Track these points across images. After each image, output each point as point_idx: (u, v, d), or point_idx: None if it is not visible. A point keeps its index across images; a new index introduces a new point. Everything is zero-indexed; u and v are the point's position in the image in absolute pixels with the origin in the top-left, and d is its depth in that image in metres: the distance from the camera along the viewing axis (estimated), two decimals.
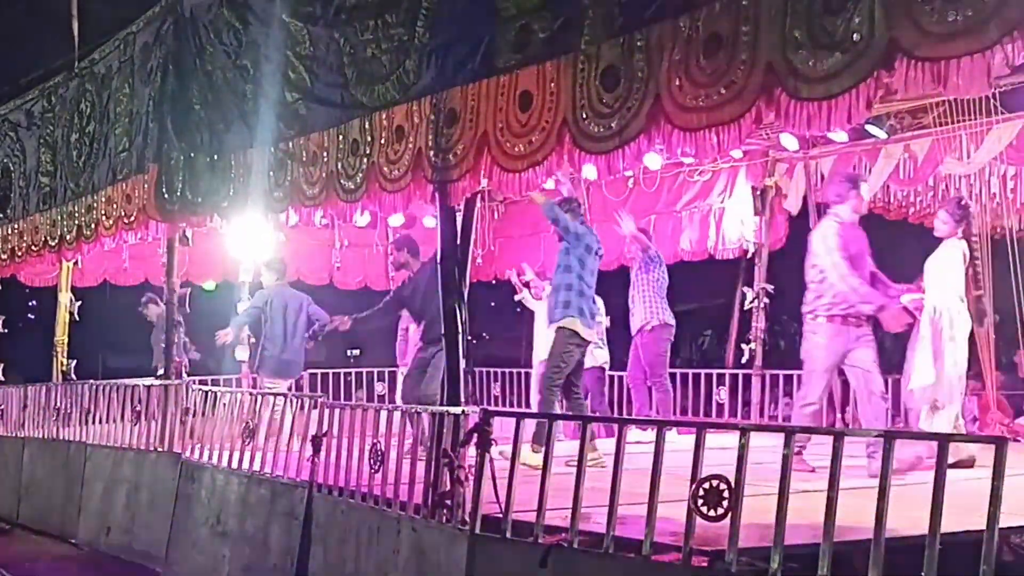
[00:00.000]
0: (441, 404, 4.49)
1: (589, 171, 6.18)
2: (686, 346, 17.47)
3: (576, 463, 3.66)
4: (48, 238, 8.38)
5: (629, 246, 7.79)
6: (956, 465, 4.57)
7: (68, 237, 8.08)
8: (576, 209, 6.14)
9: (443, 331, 4.52)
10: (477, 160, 4.32)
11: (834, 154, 7.90)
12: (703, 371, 8.97)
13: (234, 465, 5.75)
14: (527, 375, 9.55)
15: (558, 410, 5.87)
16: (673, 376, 8.61)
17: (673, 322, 7.51)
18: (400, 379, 7.81)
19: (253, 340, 8.11)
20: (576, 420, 5.82)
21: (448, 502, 4.12)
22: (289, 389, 7.60)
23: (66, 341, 8.68)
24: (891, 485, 2.86)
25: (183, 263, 7.42)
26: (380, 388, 9.84)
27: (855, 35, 3.06)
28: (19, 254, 8.94)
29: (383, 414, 4.80)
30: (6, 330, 9.57)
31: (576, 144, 3.91)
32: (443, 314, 4.53)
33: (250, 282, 8.27)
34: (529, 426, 5.22)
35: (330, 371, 9.90)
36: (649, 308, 7.38)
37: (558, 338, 5.90)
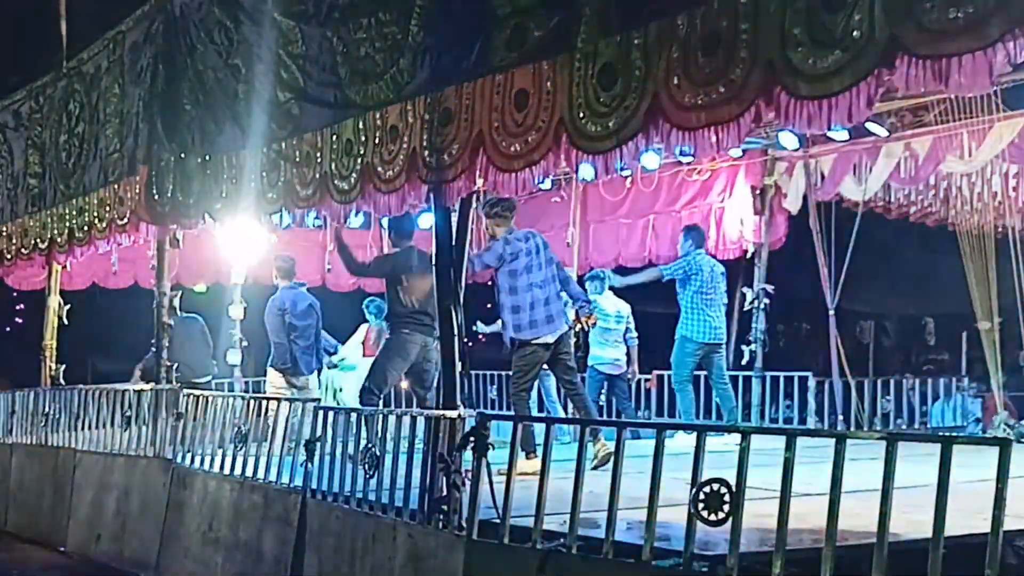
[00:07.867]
0: (437, 408, 4.44)
1: (586, 171, 6.11)
2: None
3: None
4: (38, 241, 8.28)
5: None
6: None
7: (59, 240, 7.99)
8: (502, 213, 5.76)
9: (439, 333, 4.47)
10: (472, 160, 4.27)
11: (834, 152, 7.87)
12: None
13: (226, 471, 5.68)
14: None
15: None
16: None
17: (688, 334, 7.44)
18: None
19: (246, 344, 8.03)
20: (574, 423, 5.77)
21: (445, 507, 4.08)
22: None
23: (55, 345, 8.57)
24: (894, 488, 2.82)
25: (173, 265, 7.34)
26: None
27: (855, 32, 3.02)
28: (7, 258, 8.85)
29: (378, 418, 4.75)
30: None
31: (573, 143, 3.87)
32: (439, 316, 4.49)
33: (242, 284, 8.19)
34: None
35: None
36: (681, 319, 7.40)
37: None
